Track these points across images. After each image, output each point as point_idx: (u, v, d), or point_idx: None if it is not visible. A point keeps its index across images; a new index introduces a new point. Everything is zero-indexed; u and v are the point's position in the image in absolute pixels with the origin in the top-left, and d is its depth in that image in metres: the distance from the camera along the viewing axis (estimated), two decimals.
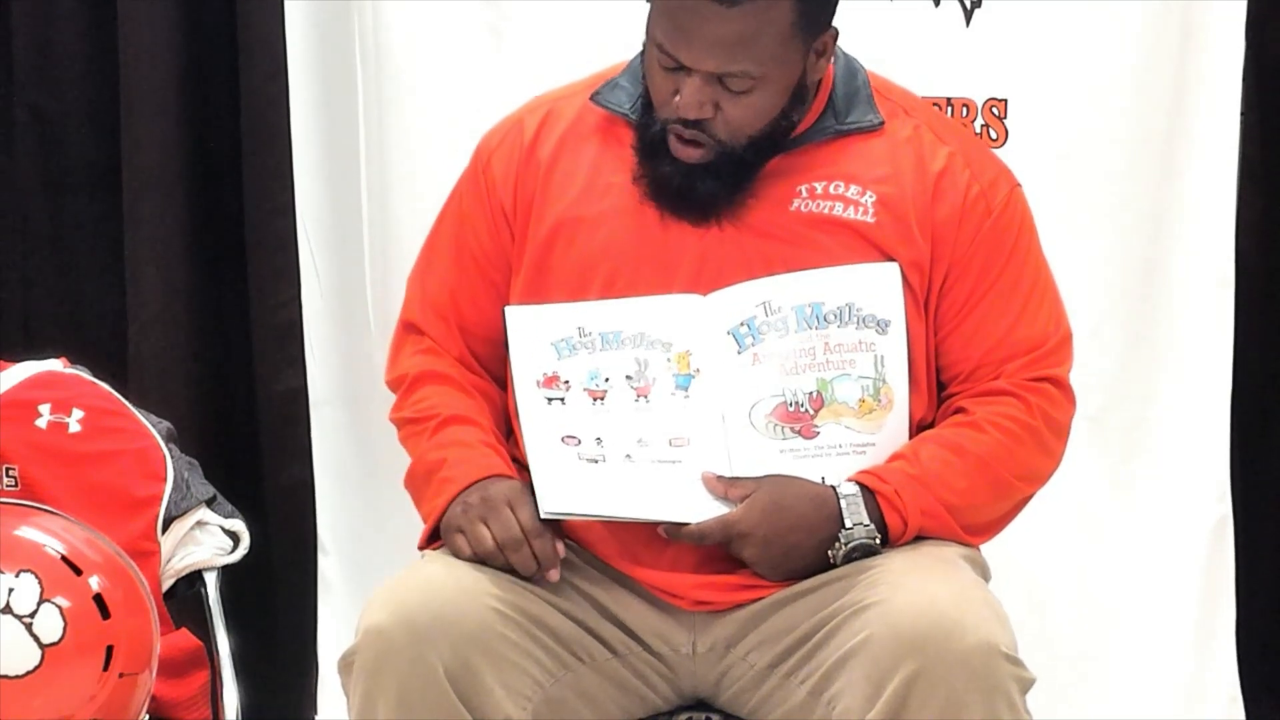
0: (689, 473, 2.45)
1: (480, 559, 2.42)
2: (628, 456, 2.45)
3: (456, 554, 2.44)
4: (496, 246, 2.58)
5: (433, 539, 2.51)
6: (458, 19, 3.53)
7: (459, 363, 2.61)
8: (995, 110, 3.51)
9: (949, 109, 3.47)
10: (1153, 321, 3.59)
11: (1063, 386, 2.55)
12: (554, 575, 2.43)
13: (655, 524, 2.45)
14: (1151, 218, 3.56)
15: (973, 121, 3.49)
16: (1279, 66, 3.56)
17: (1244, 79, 3.51)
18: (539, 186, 2.55)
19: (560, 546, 2.44)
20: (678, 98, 2.41)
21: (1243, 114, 3.52)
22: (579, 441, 2.45)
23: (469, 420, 2.55)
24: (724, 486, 2.44)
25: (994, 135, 3.50)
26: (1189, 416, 3.59)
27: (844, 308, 2.46)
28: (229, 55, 3.57)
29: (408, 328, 2.65)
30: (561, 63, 3.24)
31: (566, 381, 2.47)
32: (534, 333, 2.48)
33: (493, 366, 2.61)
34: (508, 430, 2.59)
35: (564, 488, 2.44)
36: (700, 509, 2.44)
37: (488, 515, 2.42)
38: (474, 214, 2.60)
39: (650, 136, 2.47)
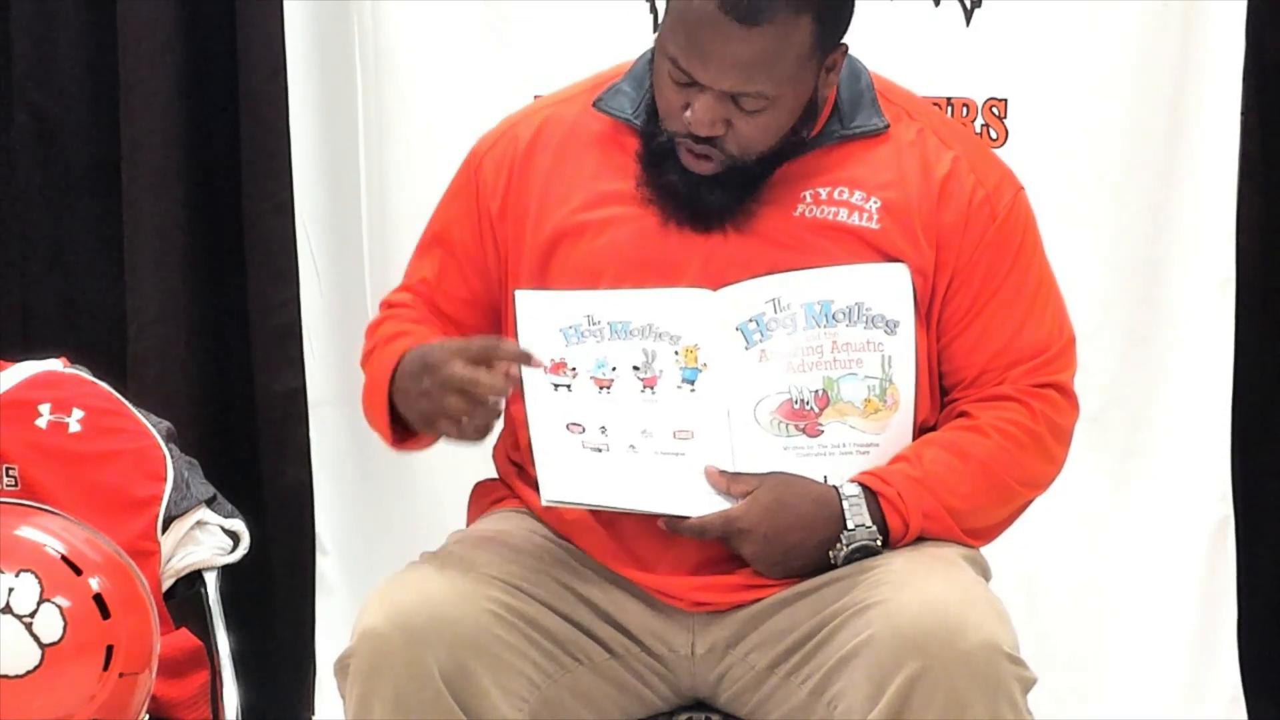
0: (692, 466, 2.44)
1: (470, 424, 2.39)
2: (631, 447, 2.44)
3: (448, 437, 2.41)
4: (479, 250, 2.58)
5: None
6: (458, 19, 3.53)
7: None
8: (995, 110, 3.51)
9: (949, 109, 3.48)
10: (1153, 322, 3.59)
11: (1066, 392, 2.54)
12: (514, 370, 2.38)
13: (655, 517, 2.45)
14: (1151, 217, 3.57)
15: (973, 121, 3.49)
16: (1279, 66, 3.57)
17: (1244, 79, 3.51)
18: (537, 195, 2.54)
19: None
20: (689, 113, 2.40)
21: (1243, 114, 3.52)
22: (583, 429, 2.44)
23: (395, 327, 2.56)
24: (727, 481, 2.43)
25: (994, 135, 3.50)
26: (1190, 416, 3.59)
27: (853, 307, 2.45)
28: (229, 55, 3.58)
29: (381, 306, 2.66)
30: (561, 63, 3.25)
31: (573, 368, 2.45)
32: (543, 318, 2.47)
33: None
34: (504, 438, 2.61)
35: (566, 476, 2.43)
36: (702, 503, 2.43)
37: (438, 380, 2.37)
38: (461, 214, 2.60)
39: (656, 145, 2.46)
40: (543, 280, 2.52)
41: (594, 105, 2.53)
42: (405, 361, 2.45)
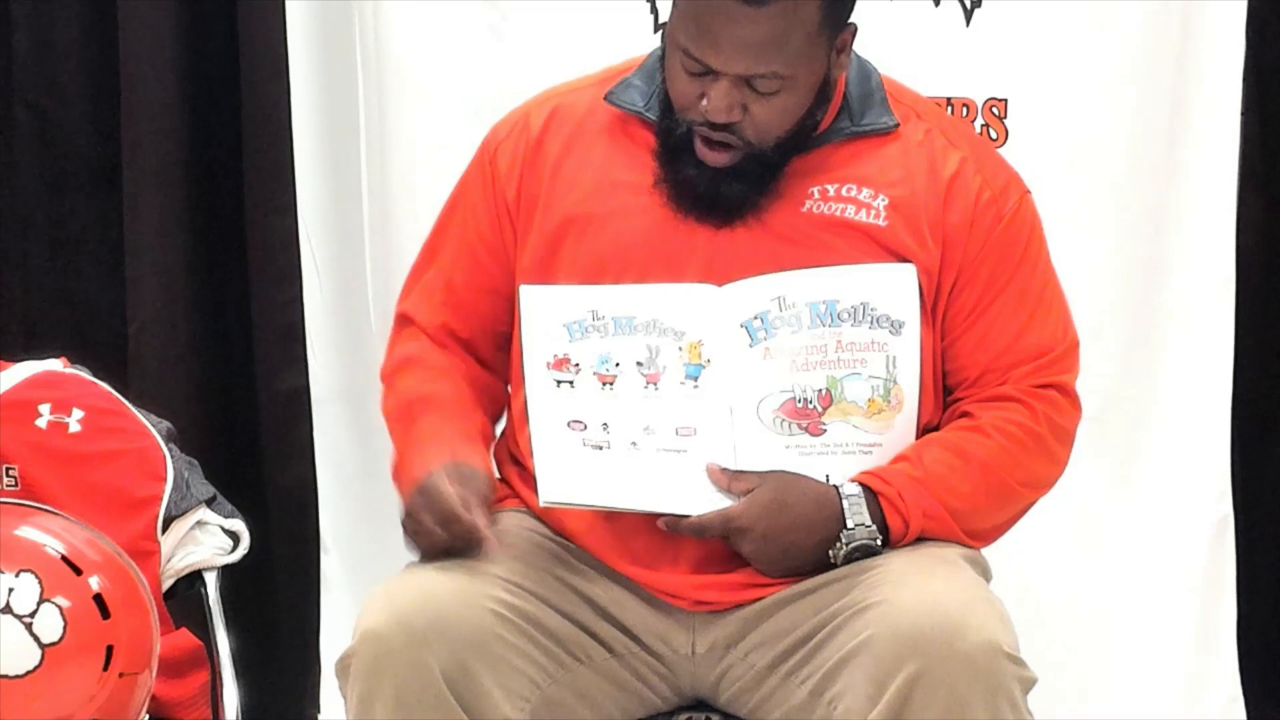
0: (693, 463, 2.44)
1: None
2: (633, 444, 2.44)
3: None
4: (498, 238, 2.58)
5: None
6: (458, 19, 3.53)
7: (437, 342, 2.61)
8: (995, 110, 3.51)
9: (949, 109, 3.48)
10: (1153, 322, 3.59)
11: (1068, 393, 2.55)
12: (491, 547, 2.40)
13: (655, 516, 2.45)
14: (1152, 218, 3.57)
15: (973, 121, 3.50)
16: (1279, 66, 3.57)
17: (1244, 79, 3.52)
18: (546, 182, 2.54)
19: (484, 524, 2.41)
20: (705, 102, 2.40)
21: (1243, 114, 3.53)
22: (585, 426, 2.44)
23: (430, 406, 2.55)
24: (727, 479, 2.44)
25: (994, 135, 3.50)
26: (1190, 416, 3.59)
27: (858, 306, 2.46)
28: (229, 55, 3.58)
29: (401, 320, 2.65)
30: (562, 62, 3.24)
31: (577, 364, 2.46)
32: (547, 313, 2.47)
33: (481, 354, 2.61)
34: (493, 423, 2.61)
35: (565, 476, 2.43)
36: (702, 501, 2.43)
37: (416, 530, 2.42)
38: (478, 205, 2.59)
39: (674, 140, 2.46)
40: (549, 268, 2.53)
41: (605, 99, 2.54)
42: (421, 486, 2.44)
